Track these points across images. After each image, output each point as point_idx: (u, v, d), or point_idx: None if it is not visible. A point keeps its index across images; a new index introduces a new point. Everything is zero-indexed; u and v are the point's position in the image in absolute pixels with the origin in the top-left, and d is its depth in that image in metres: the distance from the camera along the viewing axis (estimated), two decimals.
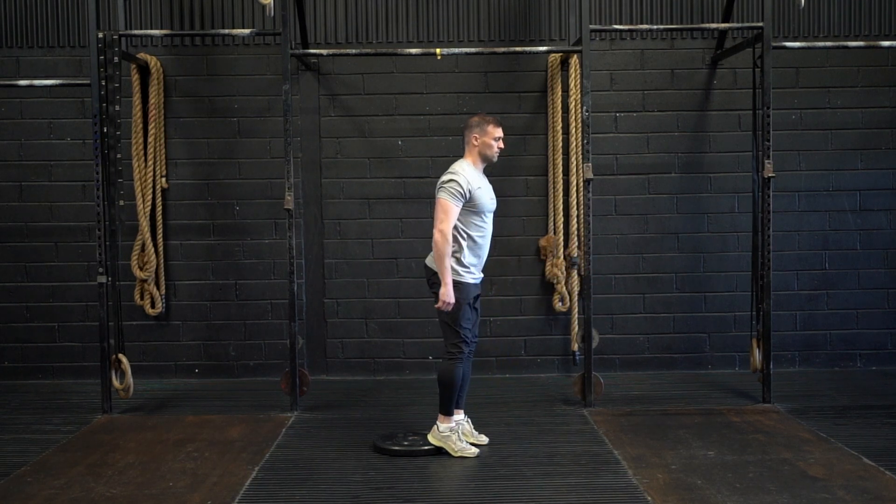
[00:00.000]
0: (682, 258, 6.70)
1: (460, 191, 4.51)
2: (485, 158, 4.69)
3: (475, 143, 4.66)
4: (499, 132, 4.69)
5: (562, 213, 6.52)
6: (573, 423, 5.28)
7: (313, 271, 6.66)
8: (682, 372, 6.67)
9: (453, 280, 4.58)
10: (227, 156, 6.62)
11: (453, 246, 4.60)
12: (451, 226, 4.53)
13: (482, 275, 4.77)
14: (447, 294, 4.52)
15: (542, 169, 6.61)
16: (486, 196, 4.65)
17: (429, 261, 4.70)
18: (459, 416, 4.80)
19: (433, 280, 4.66)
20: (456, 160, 4.72)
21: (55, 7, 6.54)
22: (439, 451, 4.66)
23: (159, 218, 6.54)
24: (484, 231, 4.67)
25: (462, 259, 4.61)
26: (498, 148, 4.70)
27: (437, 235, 4.51)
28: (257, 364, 6.69)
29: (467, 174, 4.57)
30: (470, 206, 4.57)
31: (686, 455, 4.59)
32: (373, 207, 6.66)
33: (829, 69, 6.65)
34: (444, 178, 4.59)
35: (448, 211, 4.51)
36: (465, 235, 4.61)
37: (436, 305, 4.60)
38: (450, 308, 4.57)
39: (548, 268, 6.56)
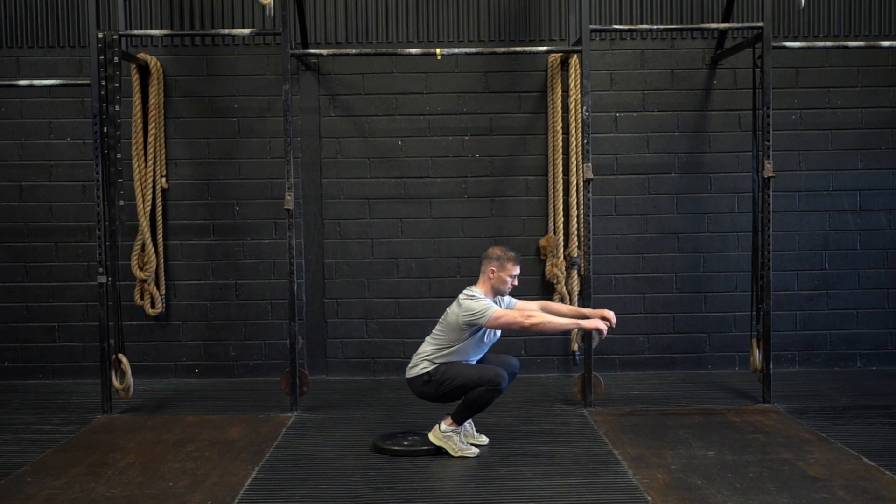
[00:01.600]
0: (682, 258, 6.70)
1: (487, 302, 4.57)
2: (497, 292, 4.74)
3: (491, 276, 4.70)
4: (516, 270, 4.72)
5: (562, 213, 6.52)
6: (573, 423, 5.28)
7: (313, 271, 6.66)
8: (682, 372, 6.67)
9: (428, 372, 4.62)
10: (227, 156, 6.62)
11: (434, 352, 4.64)
12: (519, 313, 4.56)
13: None
14: (603, 319, 4.59)
15: (542, 169, 6.61)
16: (484, 331, 4.68)
17: (409, 374, 4.74)
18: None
19: (419, 389, 4.70)
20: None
21: (55, 7, 6.54)
22: (439, 451, 4.65)
23: (159, 218, 6.54)
24: (474, 357, 4.74)
25: (434, 360, 4.64)
26: (512, 285, 4.74)
27: (527, 325, 4.50)
28: (257, 364, 6.69)
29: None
30: (473, 331, 4.62)
31: (686, 455, 4.59)
32: (373, 207, 6.66)
33: (829, 69, 6.65)
34: (469, 302, 4.59)
35: (500, 313, 4.52)
36: (453, 350, 4.63)
37: (607, 326, 4.59)
38: (614, 322, 4.65)
39: (548, 268, 6.56)
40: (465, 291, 4.71)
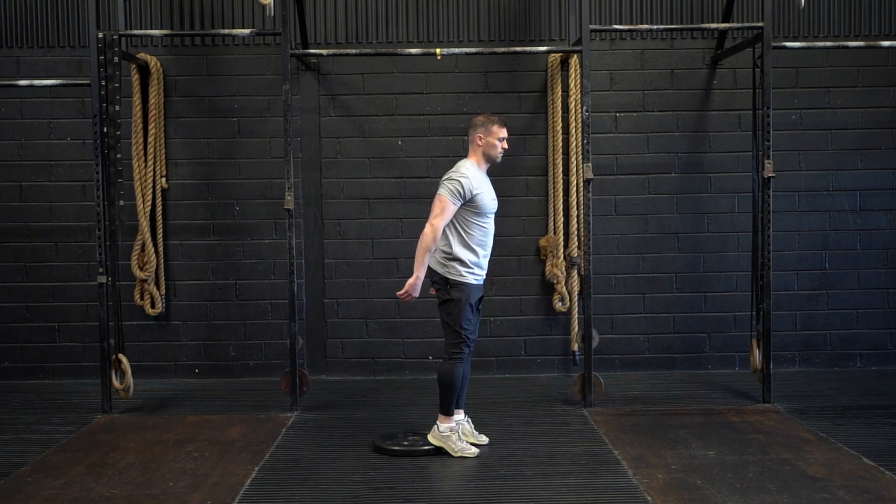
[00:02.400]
0: (682, 258, 6.70)
1: (461, 191, 4.52)
2: (488, 158, 4.70)
3: (479, 142, 4.67)
4: (503, 132, 4.70)
5: (562, 213, 6.52)
6: (573, 423, 5.28)
7: (313, 271, 6.66)
8: (682, 372, 6.67)
9: (456, 280, 4.60)
10: (227, 156, 6.62)
11: (454, 247, 4.61)
12: (444, 223, 4.55)
13: (484, 275, 4.77)
14: (413, 286, 4.57)
15: (542, 169, 6.61)
16: (489, 197, 4.65)
17: (432, 262, 4.69)
18: (460, 416, 4.80)
19: (435, 279, 4.68)
20: (458, 159, 4.72)
21: (55, 7, 6.54)
22: (439, 451, 4.66)
23: (159, 218, 6.54)
24: (486, 232, 4.68)
25: (464, 259, 4.61)
26: (502, 148, 4.72)
27: (427, 228, 4.53)
28: (257, 364, 6.69)
29: (471, 175, 4.58)
30: (472, 207, 4.58)
31: (686, 455, 4.59)
32: (373, 207, 6.66)
33: (829, 69, 6.65)
34: (448, 175, 4.60)
35: (445, 208, 4.52)
36: (467, 236, 4.61)
37: (398, 293, 4.63)
38: (410, 300, 4.63)
39: (548, 268, 6.56)
40: (456, 165, 4.66)
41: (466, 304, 4.61)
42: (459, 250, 4.61)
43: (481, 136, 4.66)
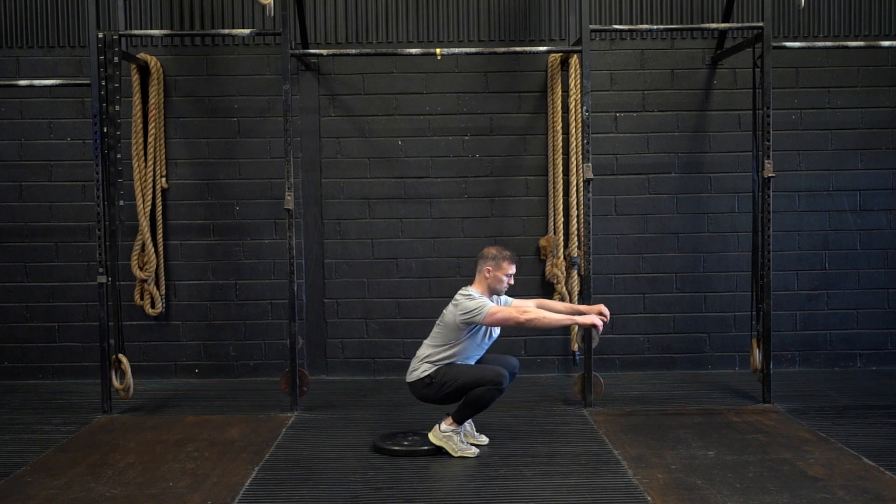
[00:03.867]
0: (682, 258, 6.70)
1: (484, 300, 4.58)
2: (493, 291, 4.74)
3: (487, 275, 4.71)
4: (512, 269, 4.73)
5: (562, 213, 6.52)
6: (573, 423, 5.28)
7: (313, 271, 6.65)
8: (682, 372, 6.67)
9: (429, 375, 4.62)
10: (227, 156, 6.62)
11: (436, 353, 4.64)
12: (514, 309, 4.57)
13: None
14: (597, 317, 4.55)
15: (542, 169, 6.61)
16: (484, 330, 4.69)
17: (409, 378, 4.74)
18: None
19: (420, 392, 4.71)
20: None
21: (55, 7, 6.54)
22: (439, 451, 4.65)
23: (159, 218, 6.54)
24: (474, 356, 4.74)
25: (434, 362, 4.64)
26: (508, 284, 4.75)
27: (522, 321, 4.50)
28: (257, 364, 6.69)
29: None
30: (473, 330, 4.63)
31: (686, 455, 4.59)
32: (373, 207, 6.66)
33: (829, 69, 6.65)
34: (465, 301, 4.60)
35: (495, 310, 4.52)
36: (453, 351, 4.63)
37: (602, 321, 4.57)
38: (608, 317, 4.62)
39: (548, 268, 6.56)
40: (461, 291, 4.72)
41: (455, 367, 4.61)
42: (441, 357, 4.64)
43: (490, 269, 4.70)
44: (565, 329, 6.62)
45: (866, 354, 6.76)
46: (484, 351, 4.81)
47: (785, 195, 6.58)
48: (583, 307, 4.86)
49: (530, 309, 4.62)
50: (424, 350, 4.73)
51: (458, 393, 4.60)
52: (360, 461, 4.57)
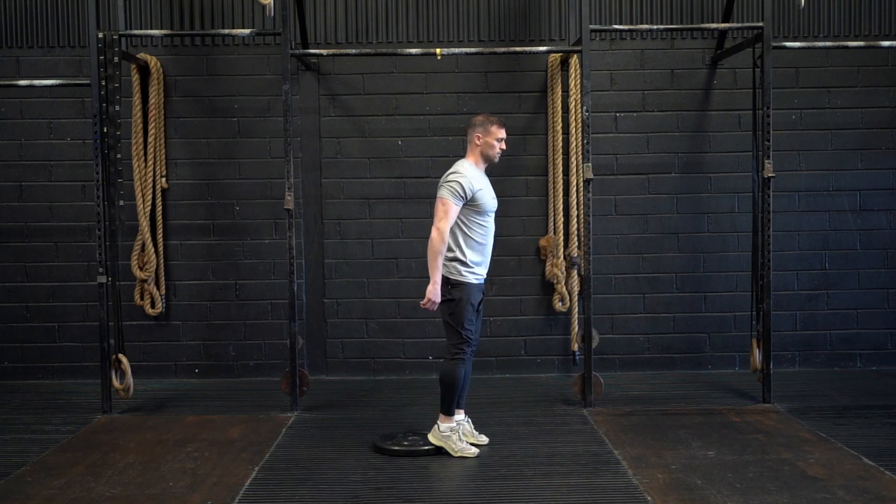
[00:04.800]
0: (682, 258, 6.70)
1: (461, 192, 4.52)
2: (486, 158, 4.71)
3: (477, 142, 4.67)
4: (502, 133, 4.70)
5: (562, 213, 6.52)
6: (573, 423, 5.28)
7: (313, 271, 6.66)
8: (682, 372, 6.67)
9: (457, 280, 4.60)
10: (227, 156, 6.62)
11: (455, 247, 4.61)
12: (450, 225, 4.54)
13: (485, 276, 4.77)
14: (433, 292, 4.54)
15: (542, 169, 6.61)
16: (488, 196, 4.66)
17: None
18: (460, 416, 4.80)
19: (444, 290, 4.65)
20: (457, 159, 4.72)
21: (55, 7, 6.54)
22: (439, 451, 4.66)
23: (159, 218, 6.54)
24: (487, 231, 4.68)
25: (465, 259, 4.61)
26: (500, 149, 4.72)
27: (434, 233, 4.53)
28: (257, 364, 6.69)
29: (470, 175, 4.58)
30: (472, 206, 4.58)
31: (686, 455, 4.59)
32: (373, 207, 6.66)
33: (829, 69, 6.65)
34: (447, 177, 4.60)
35: (448, 210, 4.52)
36: (468, 235, 4.61)
37: (421, 303, 4.60)
38: (434, 307, 4.59)
39: (548, 268, 6.56)
40: (454, 165, 4.67)
41: (468, 304, 4.61)
42: (460, 250, 4.61)
43: (479, 135, 4.66)
44: (565, 329, 6.63)
45: (866, 354, 6.76)
46: (491, 221, 4.69)
47: (785, 195, 6.58)
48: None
49: (441, 239, 4.49)
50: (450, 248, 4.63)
51: (448, 318, 4.60)
52: (360, 461, 4.57)
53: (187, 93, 6.60)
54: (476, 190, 4.55)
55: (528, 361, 6.67)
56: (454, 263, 4.62)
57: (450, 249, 4.62)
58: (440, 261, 4.56)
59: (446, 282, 4.63)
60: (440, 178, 4.65)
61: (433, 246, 4.53)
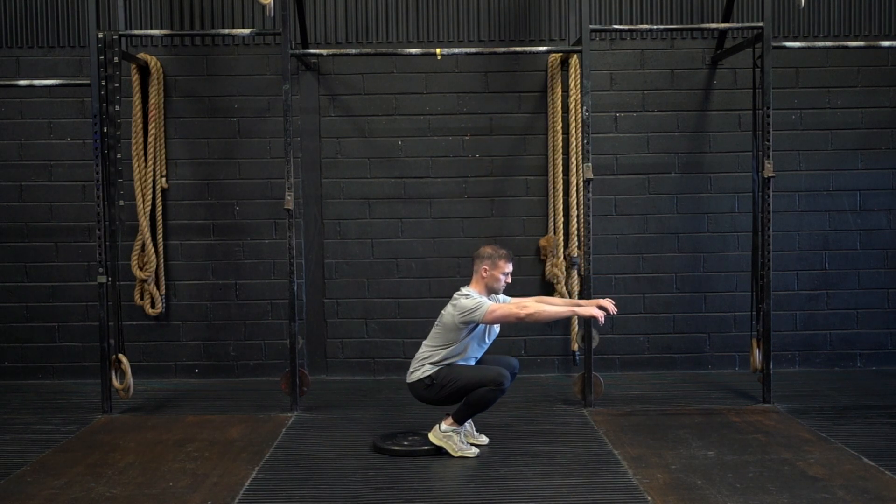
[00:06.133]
0: (682, 258, 6.70)
1: (481, 298, 4.58)
2: (491, 290, 4.74)
3: (484, 274, 4.70)
4: (509, 268, 4.72)
5: (562, 213, 6.52)
6: (573, 423, 5.28)
7: (313, 271, 6.66)
8: (682, 372, 6.67)
9: (430, 376, 4.61)
10: (227, 156, 6.62)
11: (434, 351, 4.64)
12: (514, 305, 4.57)
13: None
14: (600, 308, 4.53)
15: (542, 169, 6.61)
16: (482, 330, 4.69)
17: (410, 379, 4.74)
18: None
19: (421, 394, 4.70)
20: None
21: (55, 7, 6.54)
22: (439, 451, 4.65)
23: (159, 218, 6.54)
24: (475, 355, 4.73)
25: (434, 363, 4.63)
26: (505, 283, 4.74)
27: (523, 316, 4.49)
28: (257, 364, 6.69)
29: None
30: (470, 330, 4.62)
31: (686, 455, 4.59)
32: (373, 207, 6.66)
33: (829, 69, 6.65)
34: (463, 300, 4.59)
35: (494, 307, 4.51)
36: (452, 351, 4.62)
37: (604, 314, 4.52)
38: (611, 307, 4.58)
39: (548, 268, 6.56)
40: (459, 292, 4.72)
41: (456, 368, 4.60)
42: (436, 356, 4.64)
43: (486, 268, 4.69)
44: (565, 329, 6.63)
45: (866, 354, 6.76)
46: (483, 351, 4.81)
47: (785, 195, 6.58)
48: (582, 301, 4.86)
49: (529, 303, 4.61)
50: (424, 351, 4.73)
51: (458, 394, 4.59)
52: (360, 461, 4.57)
53: (187, 93, 6.60)
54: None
55: (528, 361, 6.66)
56: (425, 365, 4.65)
57: (430, 354, 4.66)
58: (551, 310, 4.56)
59: (424, 382, 4.64)
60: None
61: (538, 317, 4.51)
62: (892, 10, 6.62)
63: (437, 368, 4.63)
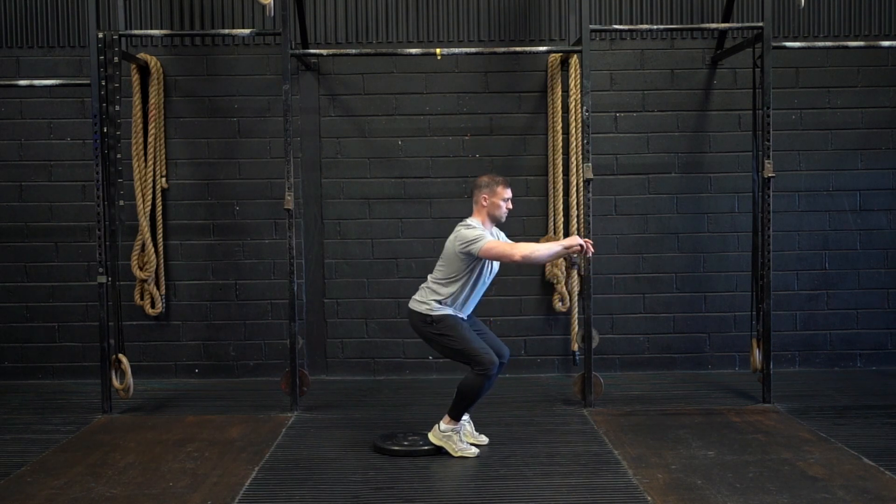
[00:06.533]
0: (682, 258, 6.70)
1: (481, 231, 4.56)
2: (493, 219, 4.72)
3: (484, 203, 4.69)
4: (508, 193, 4.71)
5: (562, 213, 6.52)
6: (573, 423, 5.28)
7: (313, 271, 6.66)
8: (682, 372, 6.67)
9: (439, 315, 4.60)
10: (227, 156, 6.62)
11: (439, 285, 4.64)
12: (508, 245, 4.55)
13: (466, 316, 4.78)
14: (574, 242, 4.50)
15: (542, 169, 6.61)
16: (484, 265, 4.67)
17: (412, 304, 4.74)
18: (464, 416, 4.80)
19: (418, 325, 4.71)
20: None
21: (55, 7, 6.54)
22: (439, 451, 4.65)
23: (159, 218, 6.54)
24: (476, 291, 4.71)
25: (442, 301, 4.63)
26: (506, 209, 4.73)
27: (518, 258, 4.46)
28: (257, 364, 6.69)
29: (482, 229, 4.62)
30: (471, 263, 4.60)
31: (686, 455, 4.59)
32: (373, 207, 6.66)
33: (829, 69, 6.65)
34: (464, 230, 4.59)
35: (492, 244, 4.50)
36: (457, 283, 4.62)
37: (585, 245, 4.50)
38: (587, 246, 4.53)
39: (548, 268, 6.56)
40: (461, 222, 4.70)
41: (460, 328, 4.60)
42: (442, 290, 4.63)
43: (486, 196, 4.68)
44: (565, 329, 6.63)
45: (866, 354, 6.77)
46: (486, 287, 4.76)
47: (785, 195, 6.58)
48: (564, 240, 4.74)
49: (522, 245, 4.57)
50: (430, 284, 4.70)
51: (448, 351, 4.61)
52: (360, 461, 4.57)
53: (187, 93, 6.60)
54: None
55: (528, 361, 6.67)
56: (433, 300, 4.64)
57: (437, 285, 4.66)
58: (542, 248, 4.53)
59: (426, 318, 4.64)
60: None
61: (532, 258, 4.47)
62: (892, 10, 6.62)
63: (443, 312, 4.60)
